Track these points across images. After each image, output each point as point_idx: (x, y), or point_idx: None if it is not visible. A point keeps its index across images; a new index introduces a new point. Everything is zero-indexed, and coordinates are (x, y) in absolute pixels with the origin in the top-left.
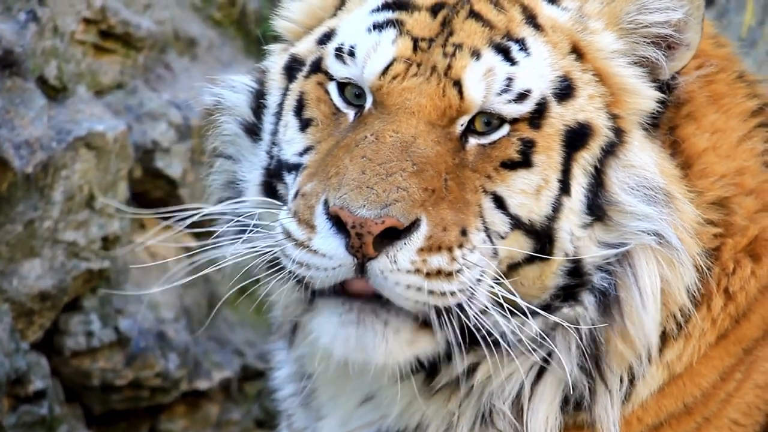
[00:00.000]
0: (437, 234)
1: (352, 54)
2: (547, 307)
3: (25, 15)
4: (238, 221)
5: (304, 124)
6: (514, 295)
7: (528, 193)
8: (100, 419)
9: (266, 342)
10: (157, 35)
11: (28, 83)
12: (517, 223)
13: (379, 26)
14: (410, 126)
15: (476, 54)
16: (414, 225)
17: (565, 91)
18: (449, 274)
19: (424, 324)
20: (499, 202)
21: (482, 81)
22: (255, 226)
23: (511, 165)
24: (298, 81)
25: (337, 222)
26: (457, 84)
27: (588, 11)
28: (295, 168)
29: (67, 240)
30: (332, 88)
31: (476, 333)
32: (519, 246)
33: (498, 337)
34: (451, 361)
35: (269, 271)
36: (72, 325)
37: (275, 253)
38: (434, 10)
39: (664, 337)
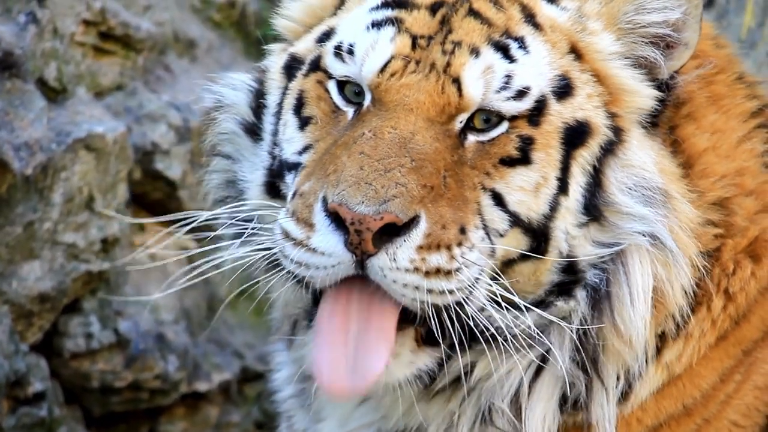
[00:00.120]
0: (436, 232)
1: (351, 52)
2: (542, 302)
3: (24, 16)
4: (238, 223)
5: (304, 123)
6: (511, 293)
7: (527, 190)
8: (100, 421)
9: (266, 344)
10: (157, 37)
11: (27, 85)
12: (516, 221)
13: (377, 24)
14: (409, 122)
15: (475, 51)
16: (413, 221)
17: (564, 89)
18: (448, 273)
19: (423, 341)
20: (498, 199)
21: (481, 78)
22: (255, 228)
23: (510, 162)
24: (297, 80)
25: (336, 219)
26: (456, 81)
27: (587, 11)
28: (295, 167)
29: (67, 242)
30: (332, 86)
31: (474, 329)
32: (517, 244)
33: (494, 332)
34: (449, 362)
35: (269, 273)
36: (71, 326)
37: (274, 253)
38: (433, 9)
39: (663, 338)
